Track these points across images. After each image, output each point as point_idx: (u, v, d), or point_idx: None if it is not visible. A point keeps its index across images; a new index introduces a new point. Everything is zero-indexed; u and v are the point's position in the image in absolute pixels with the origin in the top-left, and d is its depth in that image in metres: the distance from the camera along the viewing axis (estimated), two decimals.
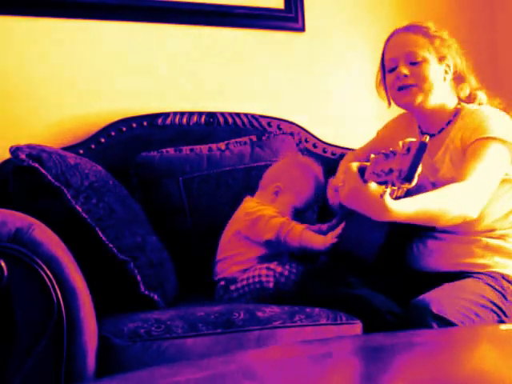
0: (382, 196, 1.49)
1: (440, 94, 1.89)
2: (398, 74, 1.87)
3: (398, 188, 1.36)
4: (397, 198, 1.50)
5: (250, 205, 2.06)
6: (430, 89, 1.87)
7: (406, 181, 1.33)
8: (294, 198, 2.10)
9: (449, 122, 1.91)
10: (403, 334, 1.49)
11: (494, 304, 1.72)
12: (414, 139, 1.36)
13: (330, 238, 1.92)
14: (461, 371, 1.20)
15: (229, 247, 2.05)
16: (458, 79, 1.93)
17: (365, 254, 1.83)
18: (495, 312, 1.71)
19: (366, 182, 1.54)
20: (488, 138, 1.76)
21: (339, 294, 1.81)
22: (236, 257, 2.02)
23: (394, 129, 2.08)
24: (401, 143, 1.35)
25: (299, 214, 2.14)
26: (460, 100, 1.94)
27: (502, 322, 1.71)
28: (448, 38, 1.92)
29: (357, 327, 1.75)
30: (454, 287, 1.74)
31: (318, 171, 2.16)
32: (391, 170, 1.36)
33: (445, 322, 1.60)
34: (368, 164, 1.56)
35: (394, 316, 1.73)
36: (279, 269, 1.93)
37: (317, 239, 1.95)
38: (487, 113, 1.84)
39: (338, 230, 1.91)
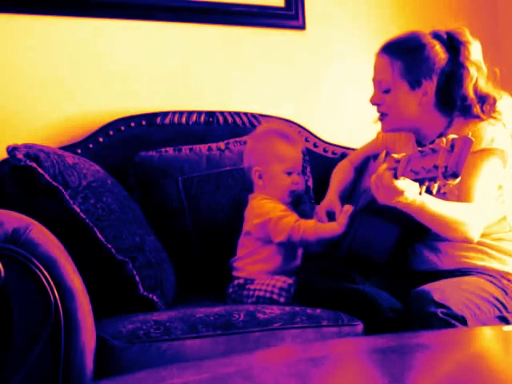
0: (420, 193, 1.51)
1: (416, 116, 1.89)
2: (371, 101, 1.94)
3: (444, 184, 1.39)
4: (444, 193, 1.56)
5: (257, 204, 2.03)
6: (400, 116, 1.90)
7: (454, 177, 1.36)
8: (279, 168, 2.04)
9: (440, 135, 1.89)
10: (404, 336, 1.49)
11: (496, 298, 1.74)
12: (456, 136, 1.37)
13: (342, 219, 1.91)
14: (463, 372, 1.19)
15: (243, 247, 2.05)
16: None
17: (376, 256, 1.85)
18: (496, 306, 1.73)
19: (397, 179, 1.55)
20: (483, 150, 1.77)
21: (342, 287, 1.82)
22: (253, 256, 2.02)
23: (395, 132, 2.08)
24: (444, 140, 1.38)
25: (298, 200, 2.13)
26: (459, 113, 1.90)
27: (503, 316, 1.72)
28: (437, 53, 1.85)
29: (358, 328, 1.75)
30: (454, 281, 1.76)
31: (273, 127, 2.17)
32: (436, 167, 1.38)
33: (447, 309, 1.61)
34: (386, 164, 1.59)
35: (396, 313, 1.75)
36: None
37: (331, 226, 1.94)
38: (479, 122, 1.83)
39: (348, 213, 1.91)
